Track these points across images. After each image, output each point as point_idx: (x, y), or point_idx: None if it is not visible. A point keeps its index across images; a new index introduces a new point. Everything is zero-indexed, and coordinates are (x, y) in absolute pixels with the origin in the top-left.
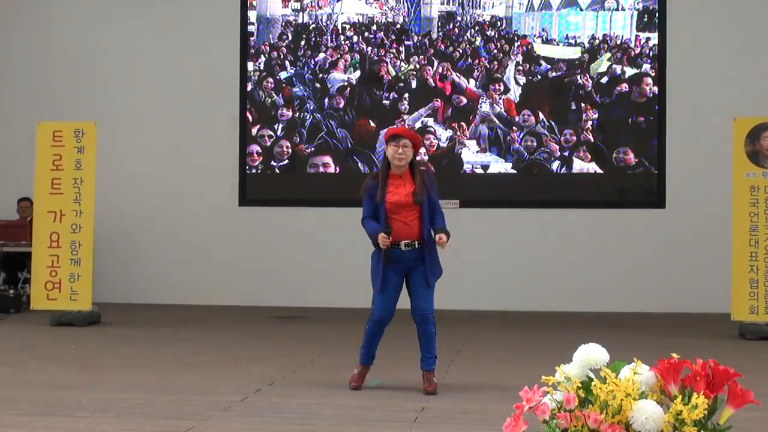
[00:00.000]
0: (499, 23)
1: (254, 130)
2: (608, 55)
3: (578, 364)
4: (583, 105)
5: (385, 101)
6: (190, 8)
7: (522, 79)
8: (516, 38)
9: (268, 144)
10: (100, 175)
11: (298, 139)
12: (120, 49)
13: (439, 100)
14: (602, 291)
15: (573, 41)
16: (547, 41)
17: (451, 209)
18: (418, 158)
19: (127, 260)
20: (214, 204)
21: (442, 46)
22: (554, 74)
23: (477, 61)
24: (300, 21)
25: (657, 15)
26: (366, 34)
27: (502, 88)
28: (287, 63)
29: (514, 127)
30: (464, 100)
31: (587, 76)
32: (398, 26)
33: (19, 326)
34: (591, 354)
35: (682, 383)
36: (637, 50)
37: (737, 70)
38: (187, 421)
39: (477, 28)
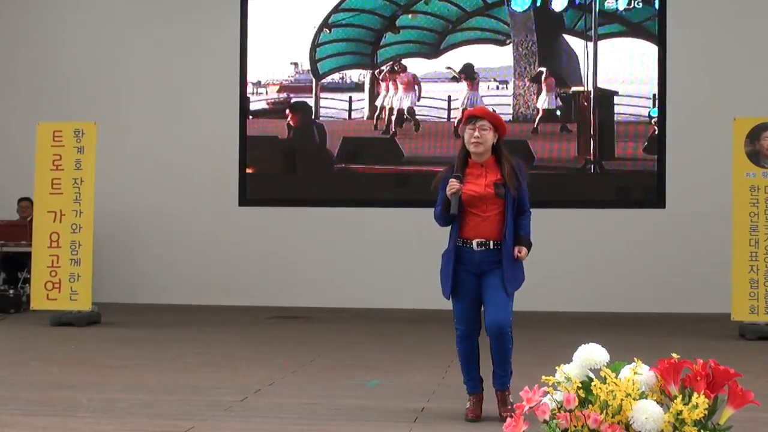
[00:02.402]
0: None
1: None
2: None
3: (578, 364)
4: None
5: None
6: (190, 9)
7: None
8: None
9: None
10: (100, 175)
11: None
12: (120, 50)
13: None
14: (602, 291)
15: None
16: None
17: None
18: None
19: (127, 260)
20: (214, 204)
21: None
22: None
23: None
24: None
25: (657, 15)
26: None
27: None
28: None
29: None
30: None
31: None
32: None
33: (19, 326)
34: (591, 354)
35: (683, 383)
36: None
37: (737, 70)
38: (187, 421)
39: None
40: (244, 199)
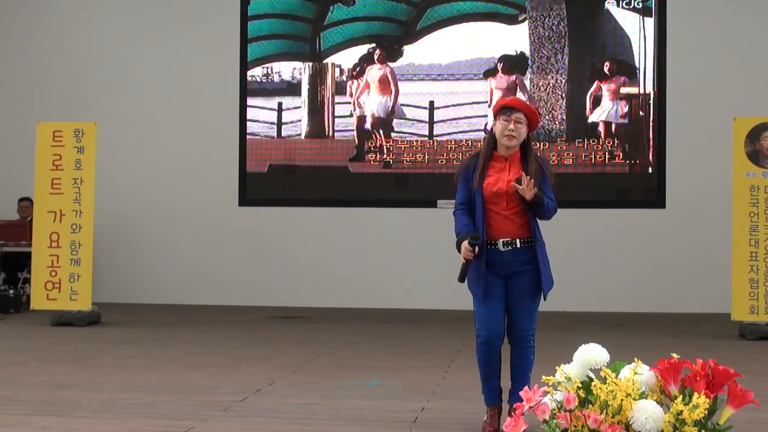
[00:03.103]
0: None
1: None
2: None
3: (578, 364)
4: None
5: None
6: (189, 8)
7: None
8: None
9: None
10: (100, 175)
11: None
12: (120, 49)
13: None
14: (602, 291)
15: None
16: None
17: (448, 209)
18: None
19: (127, 260)
20: (214, 204)
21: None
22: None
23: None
24: None
25: (656, 14)
26: None
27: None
28: None
29: None
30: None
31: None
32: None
33: (19, 326)
34: (591, 354)
35: (683, 383)
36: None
37: (737, 70)
38: (187, 421)
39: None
40: (244, 199)
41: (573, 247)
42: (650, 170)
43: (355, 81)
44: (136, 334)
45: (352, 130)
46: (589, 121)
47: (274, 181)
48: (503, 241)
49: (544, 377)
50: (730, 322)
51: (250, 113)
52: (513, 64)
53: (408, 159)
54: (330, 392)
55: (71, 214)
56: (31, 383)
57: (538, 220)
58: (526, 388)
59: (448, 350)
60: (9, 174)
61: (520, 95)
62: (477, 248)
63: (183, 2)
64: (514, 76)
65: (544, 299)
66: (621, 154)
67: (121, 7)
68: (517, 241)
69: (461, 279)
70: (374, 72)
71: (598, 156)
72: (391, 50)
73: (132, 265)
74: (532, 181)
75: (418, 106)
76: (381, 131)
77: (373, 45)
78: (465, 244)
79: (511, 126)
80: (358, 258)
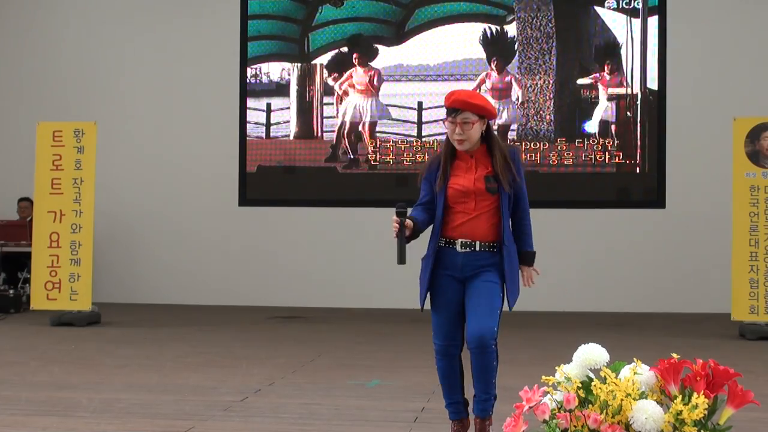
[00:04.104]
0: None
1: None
2: None
3: (578, 364)
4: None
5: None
6: (189, 8)
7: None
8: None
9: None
10: (100, 175)
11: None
12: (120, 49)
13: None
14: (602, 291)
15: None
16: None
17: None
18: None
19: (127, 260)
20: (214, 204)
21: None
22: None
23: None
24: None
25: (657, 15)
26: None
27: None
28: None
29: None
30: None
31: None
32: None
33: (19, 326)
34: (591, 354)
35: (682, 383)
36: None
37: (737, 70)
38: (186, 421)
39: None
40: (244, 199)
41: (572, 247)
42: (638, 170)
43: (341, 83)
44: (136, 334)
45: (336, 131)
46: (578, 121)
47: (274, 182)
48: (462, 242)
49: (543, 377)
50: (730, 322)
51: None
52: (504, 63)
53: (393, 160)
54: (330, 392)
55: (71, 214)
56: (31, 383)
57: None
58: (525, 388)
59: None
60: (9, 174)
61: (517, 92)
62: (405, 223)
63: (184, 2)
64: (509, 77)
65: (510, 309)
66: (612, 153)
67: (121, 8)
68: (477, 243)
69: (399, 260)
70: (358, 75)
71: (588, 156)
72: (370, 51)
73: (132, 265)
74: (532, 279)
75: (406, 107)
76: (366, 132)
77: (347, 49)
78: (394, 218)
79: (458, 130)
80: (358, 258)
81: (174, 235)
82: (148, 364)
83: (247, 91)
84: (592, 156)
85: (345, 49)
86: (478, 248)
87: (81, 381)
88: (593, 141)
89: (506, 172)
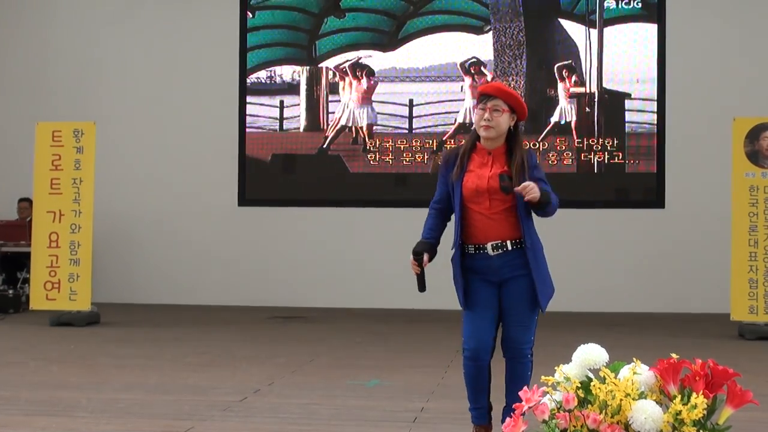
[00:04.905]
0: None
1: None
2: None
3: (577, 364)
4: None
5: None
6: (188, 8)
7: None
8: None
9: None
10: (100, 175)
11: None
12: (119, 49)
13: None
14: (602, 291)
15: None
16: None
17: None
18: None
19: (127, 260)
20: (214, 204)
21: None
22: None
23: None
24: None
25: (657, 14)
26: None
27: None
28: None
29: None
30: None
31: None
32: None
33: (18, 326)
34: (590, 354)
35: (682, 383)
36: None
37: (737, 70)
38: (186, 422)
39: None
40: (244, 199)
41: (573, 247)
42: (596, 170)
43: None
44: (135, 334)
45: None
46: (546, 119)
47: (274, 181)
48: (492, 245)
49: (543, 377)
50: (729, 322)
51: (254, 110)
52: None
53: (392, 160)
54: (329, 392)
55: (70, 214)
56: (30, 383)
57: (533, 219)
58: (525, 388)
59: (448, 350)
60: (8, 174)
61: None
62: (423, 262)
63: (182, 2)
64: (482, 79)
65: (542, 311)
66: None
67: (120, 7)
68: (508, 243)
69: (420, 288)
70: (355, 86)
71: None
72: (365, 66)
73: (131, 265)
74: (530, 184)
75: (398, 103)
76: (365, 133)
77: (349, 60)
78: (412, 258)
79: (487, 115)
80: (358, 258)
81: (174, 234)
82: (148, 364)
83: (246, 90)
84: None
85: (346, 62)
86: (510, 248)
87: (80, 381)
88: (551, 138)
89: (520, 174)
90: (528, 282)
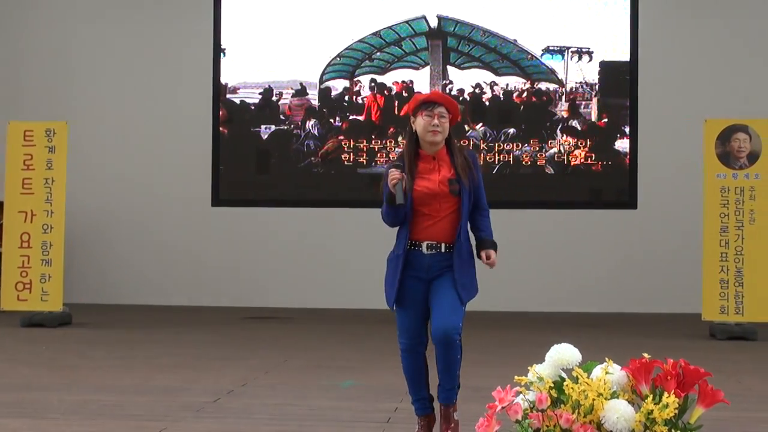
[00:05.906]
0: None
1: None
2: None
3: (550, 364)
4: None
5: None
6: (161, 7)
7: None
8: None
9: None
10: (72, 175)
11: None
12: (91, 49)
13: None
14: (574, 291)
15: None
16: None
17: None
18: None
19: (99, 261)
20: (187, 204)
21: None
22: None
23: None
24: None
25: (630, 17)
26: None
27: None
28: None
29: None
30: None
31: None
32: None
33: None
34: (563, 354)
35: (653, 383)
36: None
37: (708, 72)
38: (159, 422)
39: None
40: (217, 200)
41: (545, 247)
42: (568, 171)
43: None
44: (107, 335)
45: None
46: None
47: (248, 182)
48: (427, 244)
49: (516, 377)
50: (700, 322)
51: (228, 109)
52: None
53: (367, 161)
54: (303, 393)
55: (42, 214)
56: (1, 384)
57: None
58: (498, 388)
59: None
60: None
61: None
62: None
63: (154, 1)
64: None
65: (459, 300)
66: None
67: (92, 6)
68: (442, 245)
69: (400, 200)
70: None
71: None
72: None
73: (104, 265)
74: (491, 258)
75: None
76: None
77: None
78: (391, 170)
79: (435, 121)
80: (333, 259)
81: (146, 235)
82: (120, 365)
83: (219, 90)
84: (564, 157)
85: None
86: (443, 249)
87: (52, 382)
88: (553, 140)
89: (467, 170)
90: (453, 276)
